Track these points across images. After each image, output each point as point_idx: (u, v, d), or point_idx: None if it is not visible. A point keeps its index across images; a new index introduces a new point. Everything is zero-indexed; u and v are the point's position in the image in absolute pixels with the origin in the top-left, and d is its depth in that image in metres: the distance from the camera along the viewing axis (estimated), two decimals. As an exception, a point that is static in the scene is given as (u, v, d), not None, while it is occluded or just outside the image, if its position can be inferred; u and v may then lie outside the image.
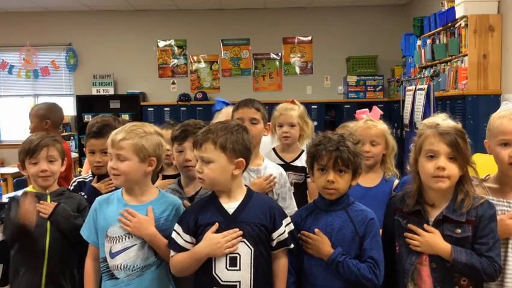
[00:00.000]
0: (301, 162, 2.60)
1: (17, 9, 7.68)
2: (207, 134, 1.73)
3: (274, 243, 1.75)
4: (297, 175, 2.63)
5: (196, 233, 1.73)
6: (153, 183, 2.05)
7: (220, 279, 1.69)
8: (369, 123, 2.36)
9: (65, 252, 2.11)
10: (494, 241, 1.67)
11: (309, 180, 2.59)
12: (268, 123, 2.39)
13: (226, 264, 1.69)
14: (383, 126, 2.37)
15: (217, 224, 1.70)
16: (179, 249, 1.74)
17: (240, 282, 1.68)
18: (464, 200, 1.69)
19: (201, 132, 1.77)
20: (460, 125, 2.27)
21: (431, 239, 1.69)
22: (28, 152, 2.13)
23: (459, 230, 1.68)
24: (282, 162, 2.61)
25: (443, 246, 1.68)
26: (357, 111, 2.55)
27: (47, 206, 2.09)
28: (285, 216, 1.80)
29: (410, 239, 1.74)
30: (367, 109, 2.51)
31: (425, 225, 1.72)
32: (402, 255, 1.78)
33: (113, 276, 1.82)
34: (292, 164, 2.65)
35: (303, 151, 2.68)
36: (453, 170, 1.68)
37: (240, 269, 1.69)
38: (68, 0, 7.26)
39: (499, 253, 1.68)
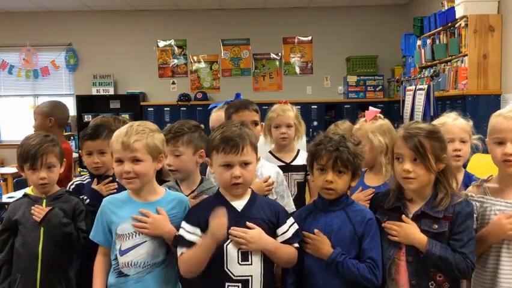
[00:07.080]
0: (300, 160, 2.62)
1: (17, 9, 7.68)
2: (242, 137, 1.72)
3: (279, 240, 1.76)
4: (299, 174, 2.65)
5: (206, 229, 1.72)
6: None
7: (232, 274, 1.70)
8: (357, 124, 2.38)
9: (59, 257, 2.08)
10: (468, 238, 1.70)
11: (309, 177, 2.60)
12: (261, 122, 2.45)
13: (238, 259, 1.70)
14: (365, 127, 2.29)
15: (224, 208, 1.65)
16: (189, 244, 1.71)
17: (252, 276, 1.70)
18: (443, 198, 1.73)
19: (232, 137, 1.71)
20: (470, 123, 2.28)
21: (408, 229, 1.72)
22: (26, 159, 2.08)
23: (436, 226, 1.71)
24: (283, 164, 2.63)
25: (420, 237, 1.70)
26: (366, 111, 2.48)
27: (41, 211, 2.07)
28: (289, 216, 1.82)
29: (389, 229, 1.76)
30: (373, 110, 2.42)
31: (403, 217, 1.75)
32: (382, 250, 1.79)
33: (121, 273, 1.80)
34: (292, 164, 2.67)
35: (299, 150, 2.71)
36: (419, 171, 1.71)
37: (251, 264, 1.71)
38: (68, 0, 7.26)
39: (473, 250, 1.70)
